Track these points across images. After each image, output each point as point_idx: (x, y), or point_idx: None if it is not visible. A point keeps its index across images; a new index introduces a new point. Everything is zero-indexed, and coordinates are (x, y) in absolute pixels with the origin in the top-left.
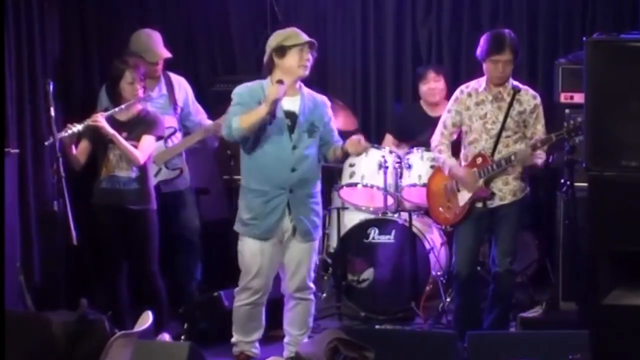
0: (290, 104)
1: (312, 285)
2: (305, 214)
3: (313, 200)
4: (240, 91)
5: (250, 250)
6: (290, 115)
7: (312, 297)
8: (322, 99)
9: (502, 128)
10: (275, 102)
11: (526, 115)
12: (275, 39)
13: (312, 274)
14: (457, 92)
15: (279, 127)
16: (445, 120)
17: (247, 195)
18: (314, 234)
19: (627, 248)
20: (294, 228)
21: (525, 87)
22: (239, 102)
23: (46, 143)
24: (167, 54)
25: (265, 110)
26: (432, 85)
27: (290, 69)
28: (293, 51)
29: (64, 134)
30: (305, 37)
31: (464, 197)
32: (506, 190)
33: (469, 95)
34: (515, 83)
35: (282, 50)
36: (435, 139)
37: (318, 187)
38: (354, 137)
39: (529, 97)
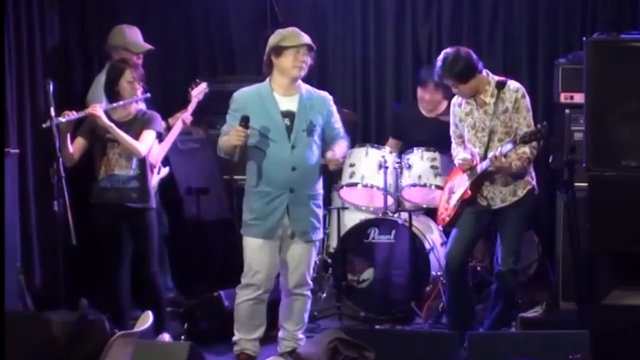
0: (289, 103)
1: (310, 282)
2: (304, 214)
3: (314, 202)
4: (236, 96)
5: (252, 247)
6: (289, 115)
7: (309, 293)
8: (322, 95)
9: (491, 132)
10: (237, 147)
11: (510, 112)
12: (274, 38)
13: (311, 272)
14: (451, 106)
15: (278, 128)
16: (452, 134)
17: (251, 196)
18: (312, 235)
19: (627, 248)
20: (292, 228)
21: (510, 80)
22: (233, 108)
23: (43, 125)
24: (149, 46)
25: (231, 147)
26: (427, 97)
27: (284, 69)
28: (289, 52)
29: (62, 119)
30: (303, 39)
31: (455, 198)
32: (506, 191)
33: (460, 106)
34: (499, 78)
35: (278, 50)
36: (452, 148)
37: (320, 188)
38: (329, 154)
39: (511, 92)
